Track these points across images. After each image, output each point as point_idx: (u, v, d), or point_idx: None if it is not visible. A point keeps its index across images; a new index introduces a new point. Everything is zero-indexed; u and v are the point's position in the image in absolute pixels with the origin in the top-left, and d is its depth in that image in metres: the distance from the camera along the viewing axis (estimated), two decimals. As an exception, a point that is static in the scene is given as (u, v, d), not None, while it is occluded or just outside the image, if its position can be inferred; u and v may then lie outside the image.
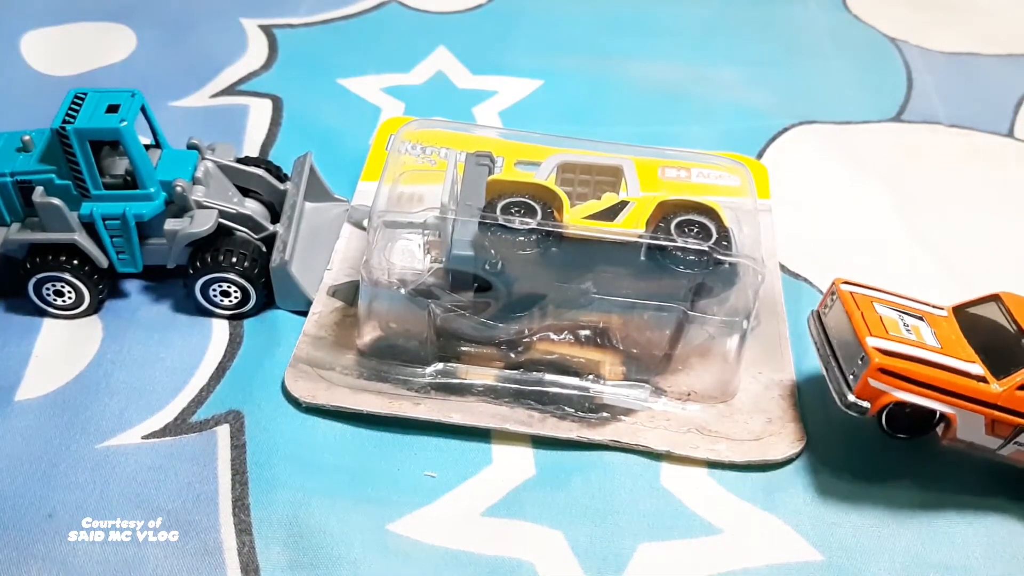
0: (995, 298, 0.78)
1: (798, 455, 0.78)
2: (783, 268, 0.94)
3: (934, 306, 0.80)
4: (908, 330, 0.75)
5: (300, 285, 0.87)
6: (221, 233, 0.86)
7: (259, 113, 1.11)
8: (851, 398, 0.73)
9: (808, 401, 0.82)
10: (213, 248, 0.86)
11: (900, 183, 1.05)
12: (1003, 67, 1.24)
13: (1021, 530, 0.74)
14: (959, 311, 0.79)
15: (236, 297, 0.87)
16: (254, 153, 1.05)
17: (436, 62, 1.21)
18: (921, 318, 0.77)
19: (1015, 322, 0.75)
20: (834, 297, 0.79)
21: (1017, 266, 0.96)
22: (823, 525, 0.74)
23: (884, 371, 0.71)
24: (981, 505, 0.75)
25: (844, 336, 0.76)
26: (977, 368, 0.73)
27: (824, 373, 0.77)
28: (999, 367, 0.73)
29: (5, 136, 0.88)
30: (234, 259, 0.85)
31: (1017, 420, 0.72)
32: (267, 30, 1.25)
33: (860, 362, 0.72)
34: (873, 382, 0.72)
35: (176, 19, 1.26)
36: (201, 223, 0.85)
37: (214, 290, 0.86)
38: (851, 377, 0.73)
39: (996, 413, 0.72)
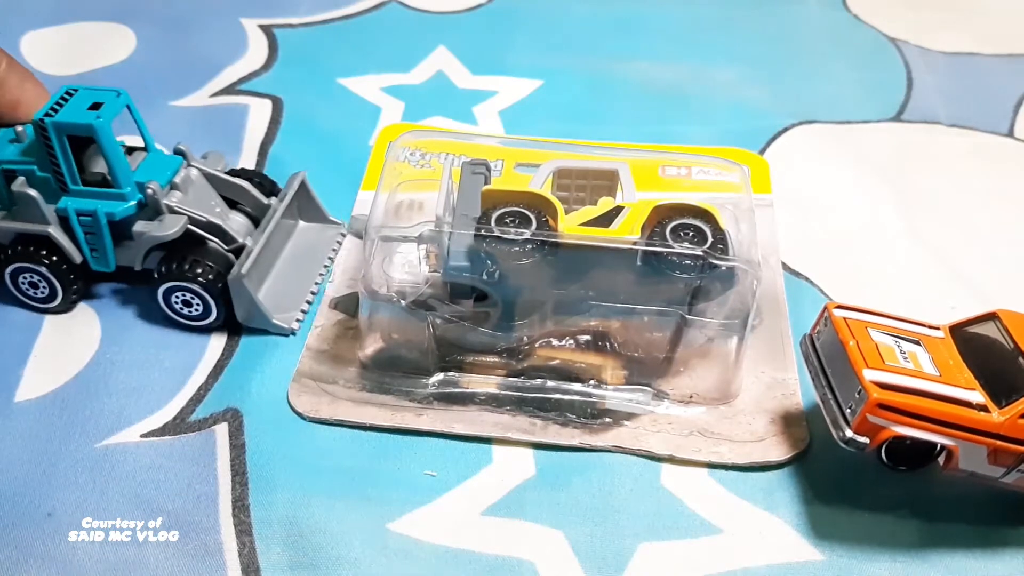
0: (993, 316, 0.76)
1: (800, 455, 0.78)
2: (784, 267, 0.94)
3: (930, 326, 0.77)
4: (905, 358, 0.72)
5: (258, 301, 0.84)
6: (194, 242, 0.85)
7: (259, 113, 1.11)
8: (849, 434, 0.70)
9: (811, 399, 0.81)
10: (181, 256, 0.84)
11: (900, 183, 1.05)
12: (1003, 67, 1.24)
13: (1022, 529, 0.74)
14: (956, 331, 0.77)
15: (198, 308, 0.85)
16: (254, 153, 1.05)
17: (436, 62, 1.21)
18: (918, 342, 0.75)
19: (1013, 341, 0.73)
20: (826, 321, 0.77)
21: (1017, 265, 0.96)
22: (823, 525, 0.74)
23: (883, 406, 0.69)
24: (982, 505, 0.75)
25: (839, 365, 0.73)
26: (978, 396, 0.70)
27: (820, 404, 0.75)
28: (999, 391, 0.71)
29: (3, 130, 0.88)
30: (199, 269, 0.83)
31: (1020, 448, 0.69)
32: (267, 30, 1.25)
33: (857, 396, 0.70)
34: (872, 418, 0.69)
35: (176, 19, 1.26)
36: (167, 227, 0.83)
37: (176, 298, 0.85)
38: (848, 411, 0.71)
39: (998, 443, 0.69)
